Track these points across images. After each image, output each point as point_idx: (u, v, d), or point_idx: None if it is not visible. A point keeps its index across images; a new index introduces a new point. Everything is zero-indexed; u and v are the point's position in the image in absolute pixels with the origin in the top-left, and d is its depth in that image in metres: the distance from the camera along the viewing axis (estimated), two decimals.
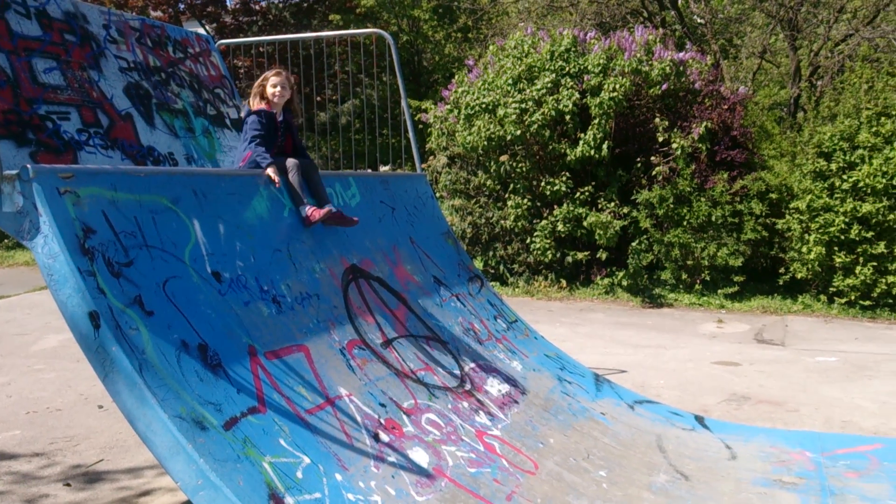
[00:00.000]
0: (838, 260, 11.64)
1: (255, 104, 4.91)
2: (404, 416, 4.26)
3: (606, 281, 13.36)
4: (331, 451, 3.53)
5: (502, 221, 13.99)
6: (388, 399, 4.30)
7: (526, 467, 4.49)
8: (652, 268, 13.60)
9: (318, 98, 16.95)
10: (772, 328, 10.84)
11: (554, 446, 4.94)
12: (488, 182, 14.18)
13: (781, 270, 12.71)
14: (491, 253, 14.30)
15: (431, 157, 15.25)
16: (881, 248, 11.34)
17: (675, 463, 5.21)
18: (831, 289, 11.95)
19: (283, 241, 4.31)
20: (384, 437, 3.95)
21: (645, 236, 13.14)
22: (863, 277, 11.45)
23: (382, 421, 4.07)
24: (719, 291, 12.79)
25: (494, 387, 5.38)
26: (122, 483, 5.15)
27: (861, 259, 11.55)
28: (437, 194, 14.69)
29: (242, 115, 5.06)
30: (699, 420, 6.23)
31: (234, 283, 3.68)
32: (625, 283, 13.11)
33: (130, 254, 3.14)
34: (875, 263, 11.46)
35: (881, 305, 11.57)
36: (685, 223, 12.78)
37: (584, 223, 13.07)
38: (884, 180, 11.28)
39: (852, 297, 11.68)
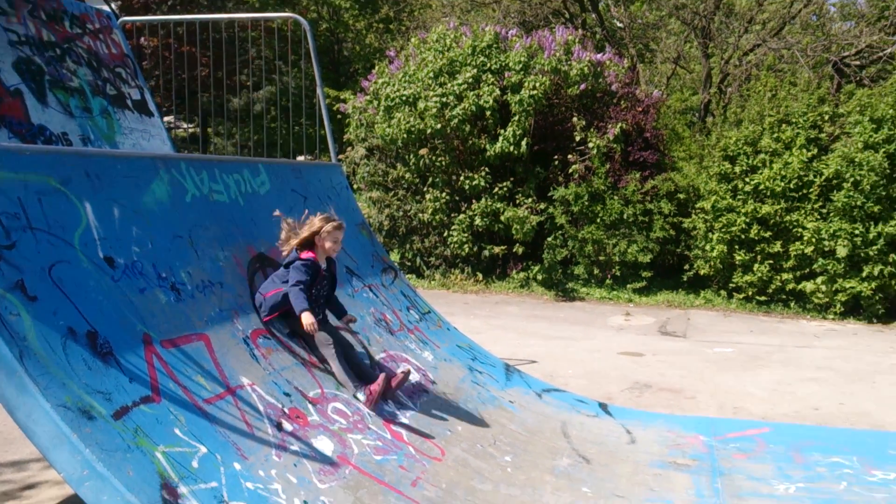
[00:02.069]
0: (738, 258, 12.19)
1: (301, 251, 4.52)
2: (309, 406, 4.21)
3: (522, 275, 13.58)
4: (230, 441, 3.44)
5: (420, 215, 14.01)
6: (294, 388, 4.24)
7: (433, 454, 4.50)
8: (566, 263, 13.91)
9: (230, 81, 16.50)
10: (675, 321, 11.27)
11: (462, 433, 4.97)
12: (407, 175, 14.18)
13: (686, 267, 13.23)
14: (408, 246, 14.31)
15: (349, 149, 15.13)
16: (777, 247, 11.94)
17: (577, 447, 5.34)
18: (731, 285, 12.52)
19: (184, 228, 4.17)
20: (287, 426, 3.89)
21: (560, 232, 13.42)
22: (760, 274, 12.04)
23: (286, 410, 4.00)
24: (628, 286, 13.20)
25: None
26: (4, 476, 4.89)
27: (759, 257, 12.14)
28: (355, 186, 14.60)
29: (285, 255, 4.63)
30: (603, 407, 6.41)
31: (129, 269, 3.53)
32: (539, 277, 13.36)
33: (13, 236, 2.97)
34: (771, 261, 12.06)
35: (775, 301, 12.19)
36: (599, 220, 13.11)
37: (502, 218, 13.23)
38: (782, 183, 11.87)
39: (750, 293, 12.27)
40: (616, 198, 13.05)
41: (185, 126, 18.40)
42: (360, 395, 4.51)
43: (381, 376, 4.50)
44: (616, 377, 7.86)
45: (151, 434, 3.08)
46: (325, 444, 3.95)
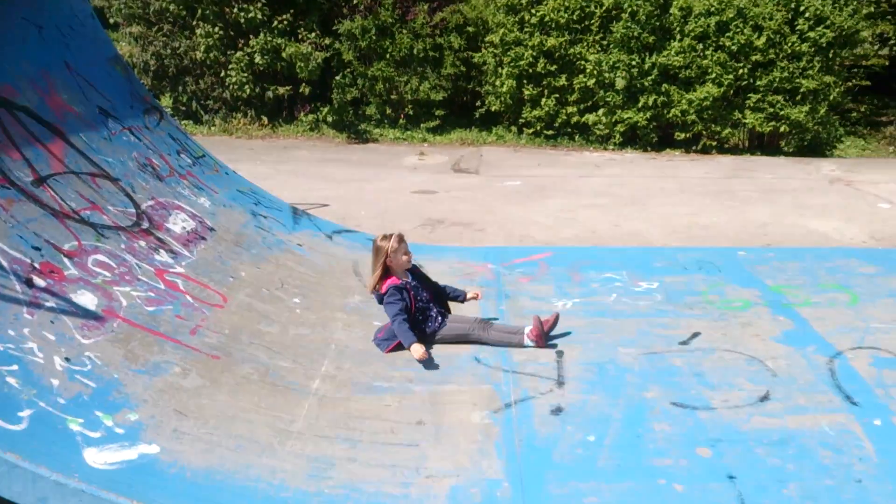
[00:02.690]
0: (527, 93, 12.72)
1: (382, 283, 4.55)
2: (65, 259, 3.90)
3: (311, 117, 13.23)
4: None
5: (192, 53, 12.92)
6: (44, 242, 3.89)
7: (213, 301, 4.43)
8: (357, 103, 13.71)
9: None
10: (468, 158, 11.71)
11: (246, 279, 4.92)
12: (171, 7, 12.84)
13: (478, 104, 13.60)
14: (181, 88, 13.28)
15: None
16: (562, 80, 12.57)
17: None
18: (521, 120, 13.13)
19: None
20: (39, 282, 3.60)
21: (349, 70, 13.09)
22: (547, 109, 12.70)
23: (37, 265, 3.68)
24: (422, 126, 13.39)
25: (178, 224, 5.14)
26: None
27: (546, 91, 12.75)
28: (111, 20, 13.05)
29: (370, 292, 4.72)
30: None
31: None
32: (330, 119, 13.10)
33: None
34: (557, 95, 12.73)
35: (561, 134, 13.02)
36: (388, 56, 12.92)
37: (283, 55, 12.59)
38: (566, 15, 12.31)
39: (538, 128, 12.97)
40: (405, 32, 12.86)
41: None
42: (529, 342, 4.57)
43: (535, 318, 4.59)
44: (410, 215, 8.11)
45: None
46: (87, 299, 3.73)
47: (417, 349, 4.22)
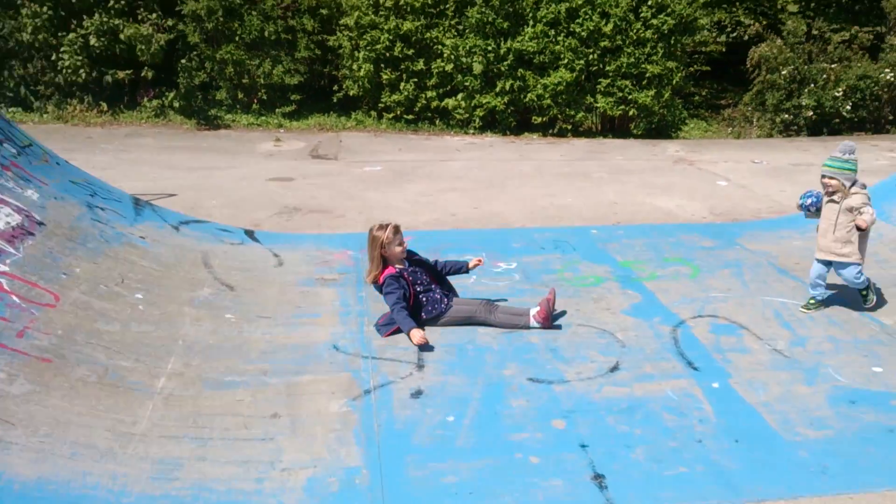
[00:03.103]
0: (385, 77, 12.68)
1: (381, 274, 4.69)
2: None
3: (155, 103, 12.56)
4: None
5: (17, 34, 11.90)
6: None
7: (44, 300, 4.12)
8: (206, 87, 13.17)
9: None
10: (327, 144, 11.54)
11: (81, 275, 4.61)
12: None
13: (336, 88, 13.42)
14: (7, 73, 12.22)
15: None
16: (420, 65, 12.62)
17: (220, 276, 5.33)
18: (380, 105, 13.08)
19: None
20: None
21: (195, 52, 12.53)
22: (406, 93, 12.73)
23: None
24: (277, 111, 13.05)
25: (1, 220, 4.74)
26: None
27: (404, 76, 12.76)
28: None
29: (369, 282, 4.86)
30: (249, 234, 6.44)
31: None
32: (177, 104, 12.49)
33: None
34: (416, 80, 12.77)
35: (422, 119, 13.09)
36: (238, 38, 12.48)
37: (122, 36, 11.86)
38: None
39: (398, 112, 12.97)
40: (255, 13, 12.46)
41: None
42: (535, 323, 4.69)
43: (542, 301, 4.73)
44: (264, 203, 7.89)
45: None
46: None
47: (416, 334, 4.33)
